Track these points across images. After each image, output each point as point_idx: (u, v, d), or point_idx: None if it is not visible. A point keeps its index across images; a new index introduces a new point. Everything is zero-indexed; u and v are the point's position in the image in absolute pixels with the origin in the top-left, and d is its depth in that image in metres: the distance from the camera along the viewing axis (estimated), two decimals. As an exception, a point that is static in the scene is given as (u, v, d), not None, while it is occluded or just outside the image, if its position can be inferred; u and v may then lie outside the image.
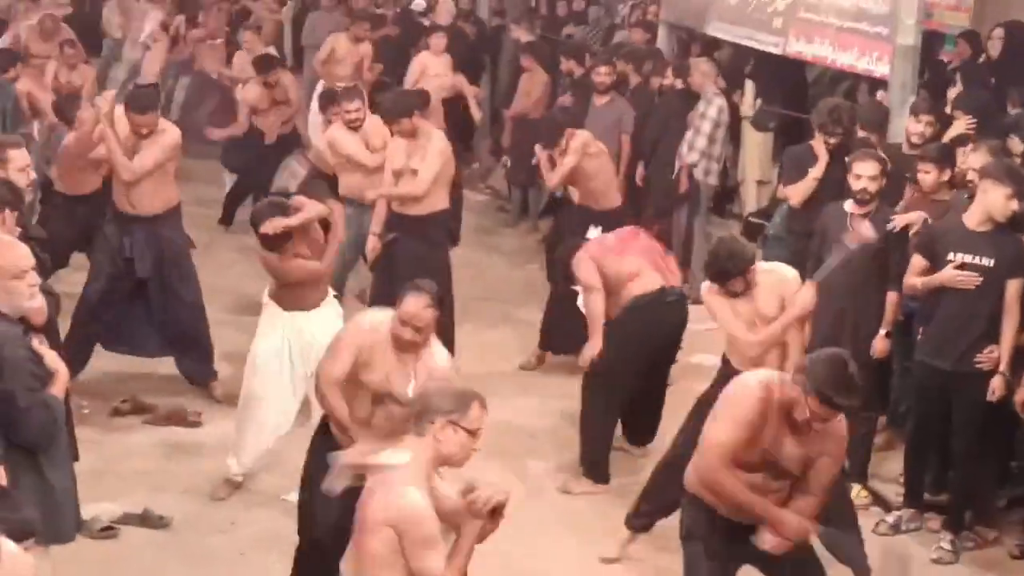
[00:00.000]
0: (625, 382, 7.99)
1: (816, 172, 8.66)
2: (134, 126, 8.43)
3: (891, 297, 7.60)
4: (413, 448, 4.75)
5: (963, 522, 7.52)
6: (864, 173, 7.62)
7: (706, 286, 6.96)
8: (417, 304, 5.90)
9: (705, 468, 5.45)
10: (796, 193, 8.81)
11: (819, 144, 8.77)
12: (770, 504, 5.43)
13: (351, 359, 6.03)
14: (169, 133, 8.63)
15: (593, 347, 7.93)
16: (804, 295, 6.92)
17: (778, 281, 6.91)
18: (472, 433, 4.75)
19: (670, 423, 7.61)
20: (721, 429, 5.43)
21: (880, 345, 7.60)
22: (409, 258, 9.05)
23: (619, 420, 8.23)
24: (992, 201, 7.09)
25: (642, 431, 8.40)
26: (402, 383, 5.96)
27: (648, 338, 8.00)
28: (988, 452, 7.44)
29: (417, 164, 9.30)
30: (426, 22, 15.66)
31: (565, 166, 9.92)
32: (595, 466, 8.06)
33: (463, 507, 4.73)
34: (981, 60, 11.55)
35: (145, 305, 8.84)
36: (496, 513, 4.70)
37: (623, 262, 8.09)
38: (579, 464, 8.10)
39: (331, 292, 7.76)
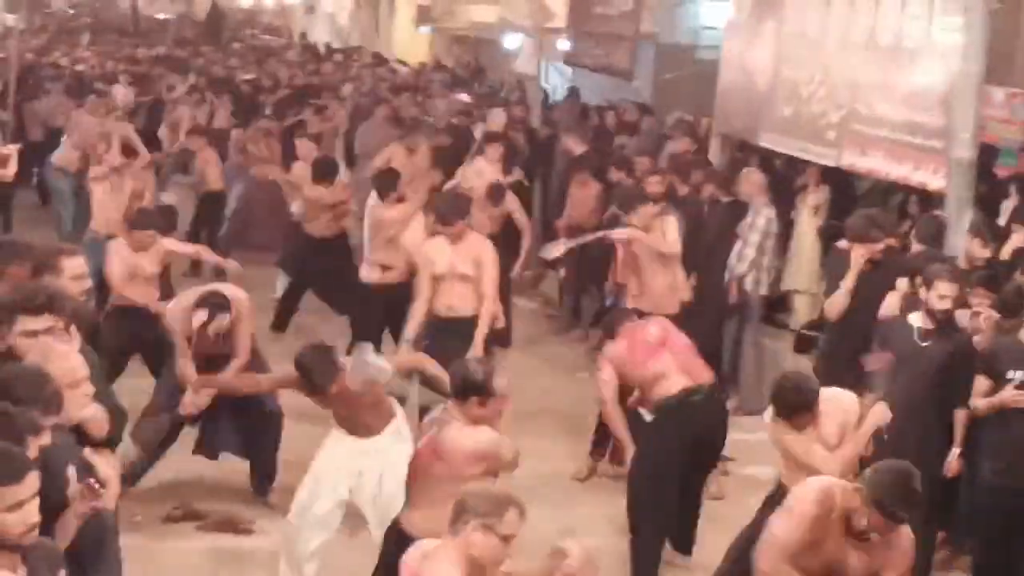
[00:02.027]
0: (665, 486, 7.97)
1: (848, 283, 8.68)
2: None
3: (959, 416, 7.55)
4: (447, 547, 4.86)
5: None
6: (948, 293, 7.61)
7: (770, 417, 6.86)
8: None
9: (766, 565, 5.44)
10: (831, 307, 8.93)
11: (858, 256, 8.81)
12: None
13: None
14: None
15: (627, 451, 8.06)
16: (877, 413, 6.88)
17: (838, 409, 6.82)
18: (505, 539, 4.79)
19: (725, 537, 7.41)
20: (783, 526, 5.47)
21: (954, 465, 7.57)
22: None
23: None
24: None
25: (686, 533, 8.29)
26: None
27: (678, 438, 7.93)
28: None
29: (467, 270, 9.29)
30: (476, 132, 15.77)
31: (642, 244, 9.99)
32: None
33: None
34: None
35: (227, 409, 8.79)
36: None
37: (647, 365, 8.09)
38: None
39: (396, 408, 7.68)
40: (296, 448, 8.60)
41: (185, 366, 8.61)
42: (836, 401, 6.87)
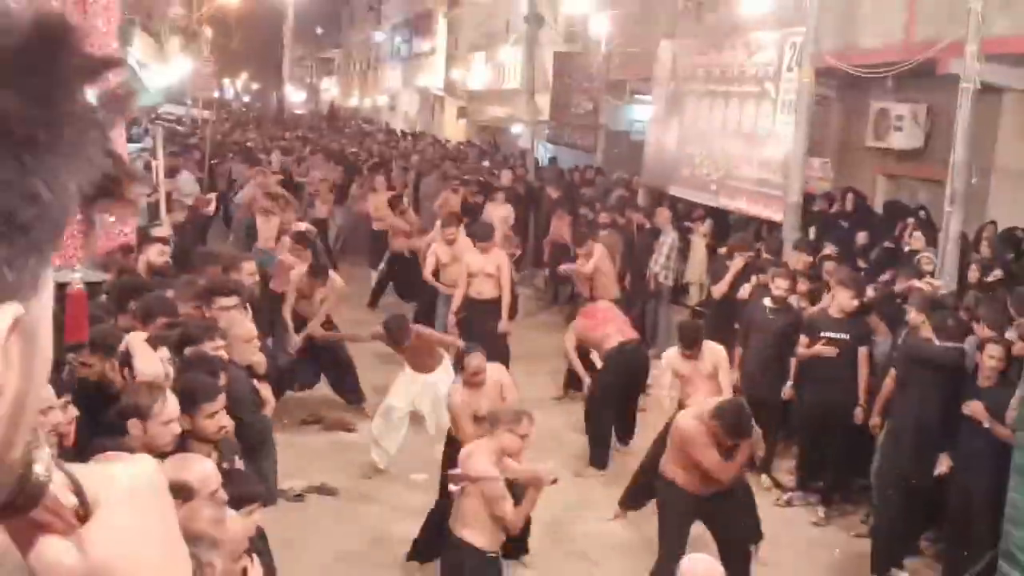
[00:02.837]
0: (610, 400, 8.01)
1: (729, 278, 8.73)
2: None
3: (792, 362, 7.57)
4: (488, 443, 4.88)
5: (832, 500, 7.39)
6: (783, 285, 7.60)
7: (671, 352, 6.93)
8: (475, 359, 6.05)
9: (719, 472, 5.38)
10: (717, 292, 8.84)
11: (738, 260, 8.84)
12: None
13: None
14: None
15: (584, 381, 8.22)
16: (727, 365, 6.96)
17: (713, 352, 6.91)
18: (522, 437, 4.86)
19: (649, 432, 7.45)
20: (708, 455, 5.36)
21: (788, 391, 7.58)
22: (481, 326, 9.00)
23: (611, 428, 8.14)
24: (841, 299, 7.12)
25: (625, 431, 8.27)
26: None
27: (618, 371, 8.01)
28: (850, 454, 7.30)
29: (491, 270, 9.33)
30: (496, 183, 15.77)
31: (590, 264, 9.97)
32: (598, 459, 8.00)
33: (530, 479, 4.71)
34: (835, 209, 11.50)
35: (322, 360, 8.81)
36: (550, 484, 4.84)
37: (597, 330, 8.18)
38: (589, 458, 8.04)
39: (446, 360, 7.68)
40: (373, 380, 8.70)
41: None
42: (712, 347, 6.95)
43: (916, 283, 7.71)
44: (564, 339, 8.42)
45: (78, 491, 0.76)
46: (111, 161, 0.74)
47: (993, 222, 9.90)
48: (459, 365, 6.38)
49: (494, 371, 6.25)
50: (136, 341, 4.40)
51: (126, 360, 4.23)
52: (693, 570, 3.39)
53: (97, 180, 0.71)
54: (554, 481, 4.82)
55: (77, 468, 0.79)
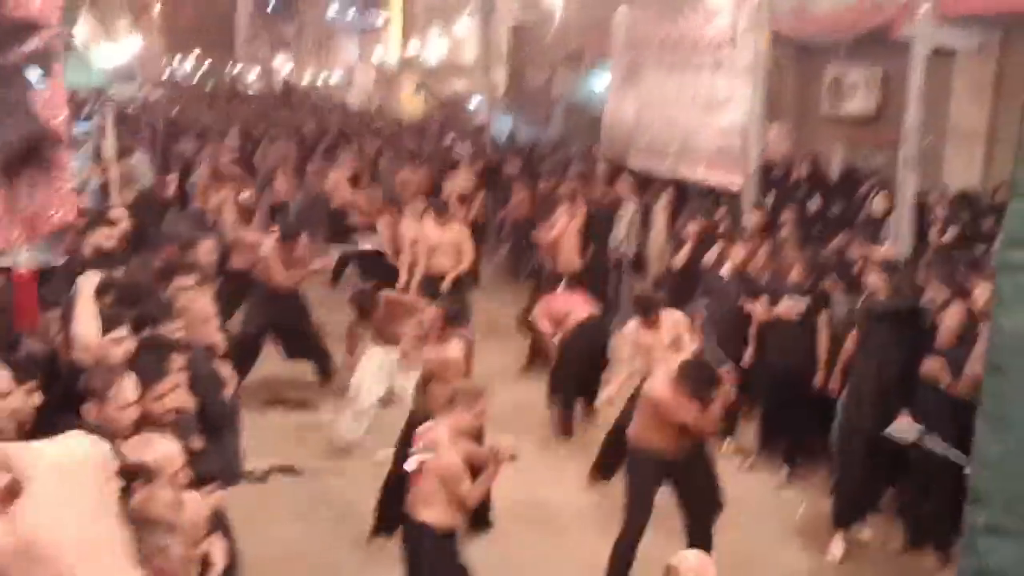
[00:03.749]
0: (572, 370, 8.10)
1: (687, 249, 8.76)
2: None
3: (752, 328, 7.62)
4: (445, 422, 4.84)
5: (795, 461, 7.49)
6: (738, 254, 7.69)
7: (632, 323, 6.94)
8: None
9: (702, 423, 5.47)
10: (678, 261, 8.87)
11: (693, 230, 8.88)
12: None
13: None
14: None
15: (551, 350, 8.27)
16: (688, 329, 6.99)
17: (672, 319, 6.96)
18: (476, 416, 4.85)
19: (612, 407, 7.44)
20: (685, 414, 5.44)
21: (747, 358, 7.66)
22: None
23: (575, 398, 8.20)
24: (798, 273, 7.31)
25: (588, 401, 8.32)
26: None
27: (581, 343, 8.08)
28: (811, 417, 7.39)
29: (449, 242, 9.32)
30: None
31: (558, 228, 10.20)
32: (561, 428, 8.08)
33: (489, 456, 4.73)
34: (795, 177, 11.58)
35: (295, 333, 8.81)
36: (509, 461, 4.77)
37: (562, 310, 8.24)
38: (552, 429, 8.11)
39: None
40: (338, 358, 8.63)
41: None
42: (672, 314, 7.00)
43: (870, 250, 7.77)
44: (538, 320, 8.40)
45: (8, 468, 0.74)
46: (36, 122, 0.72)
47: (942, 186, 10.03)
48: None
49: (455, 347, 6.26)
50: (84, 289, 4.27)
51: (67, 314, 4.13)
52: (686, 561, 3.38)
53: (22, 140, 0.69)
54: (512, 458, 4.78)
55: (7, 446, 0.77)
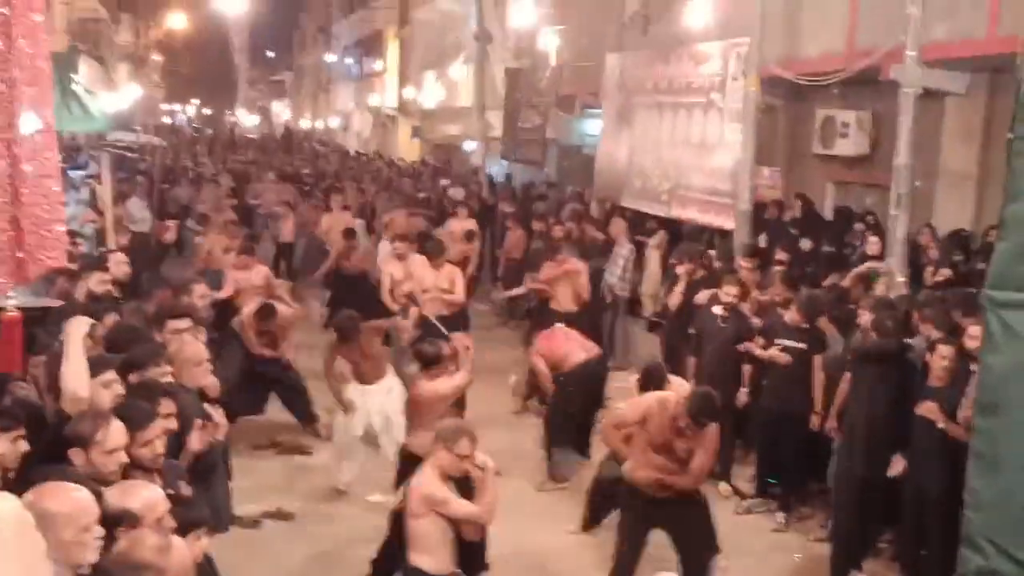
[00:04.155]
0: (571, 414, 8.00)
1: (679, 289, 8.73)
2: None
3: (746, 369, 7.61)
4: (429, 463, 4.75)
5: (790, 505, 7.42)
6: (731, 292, 7.65)
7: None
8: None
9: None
10: (672, 301, 8.82)
11: (682, 271, 8.89)
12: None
13: None
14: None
15: (548, 392, 8.15)
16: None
17: (679, 388, 6.49)
18: (460, 457, 4.66)
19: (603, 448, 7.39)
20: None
21: (742, 398, 7.61)
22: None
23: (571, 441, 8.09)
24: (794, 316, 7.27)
25: (584, 445, 8.22)
26: None
27: (580, 385, 7.99)
28: (808, 460, 7.37)
29: (444, 285, 9.30)
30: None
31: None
32: (556, 471, 7.98)
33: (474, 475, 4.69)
34: (788, 217, 11.59)
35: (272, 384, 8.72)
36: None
37: (560, 350, 8.13)
38: (547, 472, 8.01)
39: (391, 370, 7.62)
40: (324, 402, 8.54)
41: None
42: (678, 383, 6.68)
43: (860, 268, 7.75)
44: (534, 361, 8.33)
45: None
46: None
47: (928, 224, 10.04)
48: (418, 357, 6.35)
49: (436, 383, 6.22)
50: (72, 334, 4.23)
51: (53, 362, 4.10)
52: None
53: None
54: (498, 473, 4.72)
55: None
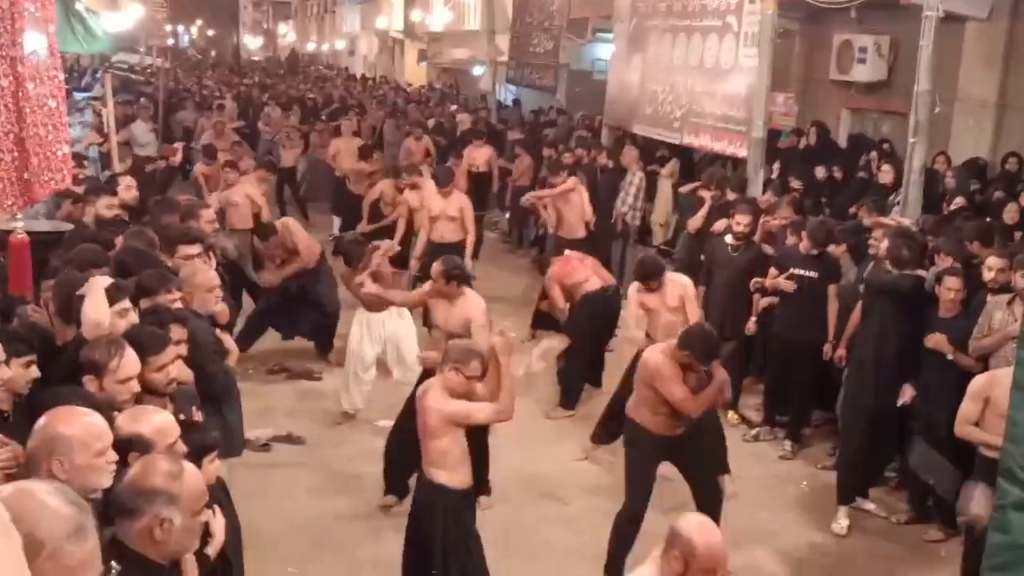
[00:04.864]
0: (585, 343, 7.98)
1: (703, 211, 8.63)
2: None
3: (756, 298, 7.49)
4: (437, 381, 4.74)
5: (799, 434, 7.44)
6: (743, 220, 7.55)
7: (633, 287, 6.82)
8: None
9: (687, 406, 5.27)
10: (693, 224, 8.71)
11: (706, 196, 8.76)
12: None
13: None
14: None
15: (562, 316, 8.13)
16: (693, 294, 6.83)
17: (678, 283, 6.79)
18: (469, 378, 4.64)
19: (617, 371, 7.42)
20: (675, 389, 5.25)
21: (751, 326, 7.52)
22: None
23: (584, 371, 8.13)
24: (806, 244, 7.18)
25: (596, 376, 8.23)
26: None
27: (593, 314, 7.96)
28: (812, 390, 7.37)
29: (453, 213, 9.23)
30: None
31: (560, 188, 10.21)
32: (568, 399, 7.98)
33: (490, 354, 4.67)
34: (803, 145, 11.46)
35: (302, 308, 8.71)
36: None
37: (576, 275, 8.06)
38: (559, 399, 8.03)
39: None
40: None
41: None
42: (677, 278, 6.89)
43: (883, 220, 7.66)
44: (549, 287, 8.27)
45: None
46: None
47: (944, 153, 9.91)
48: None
49: (471, 302, 6.13)
50: (96, 285, 4.21)
51: (77, 303, 4.07)
52: (699, 528, 3.23)
53: None
54: (502, 334, 4.74)
55: None
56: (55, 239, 5.60)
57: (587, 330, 8.00)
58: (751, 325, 7.52)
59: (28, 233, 4.45)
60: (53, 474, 2.87)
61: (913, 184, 7.86)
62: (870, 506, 6.53)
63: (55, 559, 2.08)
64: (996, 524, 2.43)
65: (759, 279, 7.35)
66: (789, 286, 7.09)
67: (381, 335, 7.45)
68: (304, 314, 8.71)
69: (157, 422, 3.44)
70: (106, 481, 2.98)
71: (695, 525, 3.20)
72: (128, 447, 3.20)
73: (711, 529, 3.19)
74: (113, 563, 2.32)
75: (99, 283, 4.20)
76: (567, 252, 8.69)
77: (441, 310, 6.15)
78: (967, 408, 5.15)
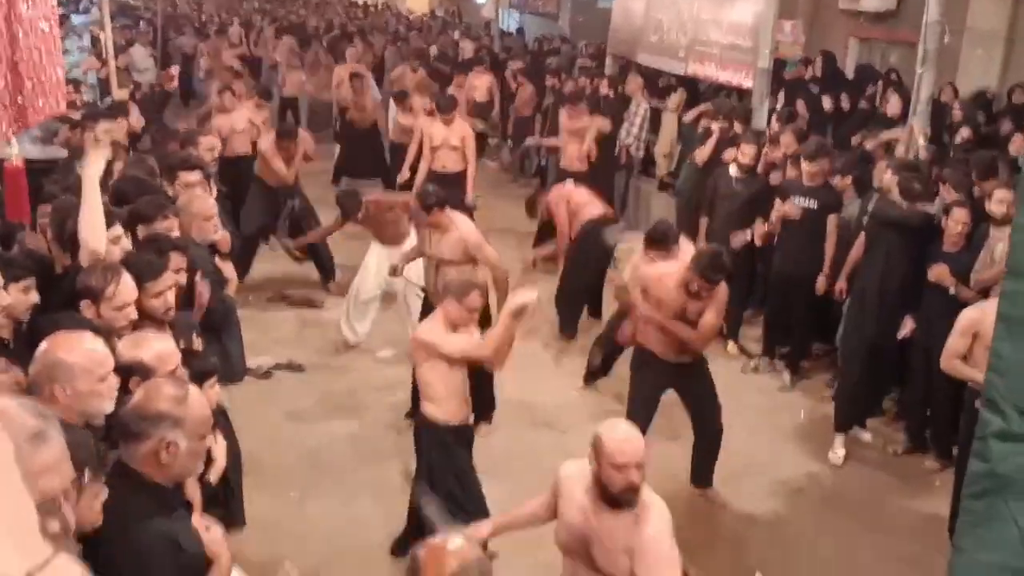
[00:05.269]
0: (583, 273, 8.00)
1: (711, 143, 8.55)
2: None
3: (758, 228, 7.40)
4: (437, 314, 4.74)
5: (798, 366, 7.47)
6: (748, 152, 7.51)
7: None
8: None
9: (694, 346, 5.36)
10: (700, 156, 8.61)
11: (714, 127, 8.68)
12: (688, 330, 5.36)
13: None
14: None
15: (562, 241, 8.18)
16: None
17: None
18: (469, 310, 4.62)
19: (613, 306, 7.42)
20: (674, 296, 5.34)
21: (757, 238, 7.43)
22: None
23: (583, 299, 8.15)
24: (809, 169, 7.07)
25: (595, 308, 8.26)
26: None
27: (590, 245, 7.94)
28: (812, 322, 7.36)
29: (455, 143, 9.16)
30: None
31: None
32: (566, 326, 8.02)
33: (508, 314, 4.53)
34: (809, 76, 11.31)
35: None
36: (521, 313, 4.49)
37: (581, 198, 8.12)
38: (559, 327, 8.07)
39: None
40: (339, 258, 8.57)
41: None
42: (687, 248, 6.37)
43: (885, 134, 7.58)
44: (553, 206, 8.26)
45: None
46: None
47: (951, 84, 9.78)
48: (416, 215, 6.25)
49: (459, 223, 6.11)
50: (90, 176, 4.14)
51: (73, 229, 4.04)
52: (611, 430, 3.37)
53: None
54: (526, 308, 4.48)
55: None
56: (47, 166, 5.56)
57: (585, 257, 7.99)
58: (757, 244, 7.43)
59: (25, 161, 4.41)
60: (56, 399, 2.89)
61: (920, 115, 7.76)
62: (867, 436, 6.59)
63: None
64: (977, 453, 2.46)
65: (762, 227, 7.27)
66: (795, 211, 7.02)
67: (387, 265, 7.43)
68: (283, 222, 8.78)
69: (158, 348, 3.45)
70: (108, 407, 3.00)
71: (608, 427, 3.38)
72: (129, 373, 3.22)
73: (626, 433, 3.35)
74: (87, 470, 2.33)
75: (94, 168, 4.07)
76: (569, 181, 8.66)
77: (433, 240, 6.13)
78: (954, 342, 5.15)
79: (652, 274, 5.51)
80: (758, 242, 7.40)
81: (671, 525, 3.31)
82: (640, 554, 3.22)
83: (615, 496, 3.28)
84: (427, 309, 6.14)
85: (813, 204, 7.04)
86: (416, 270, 6.95)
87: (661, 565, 3.21)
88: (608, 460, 3.28)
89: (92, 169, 3.94)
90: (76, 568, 0.99)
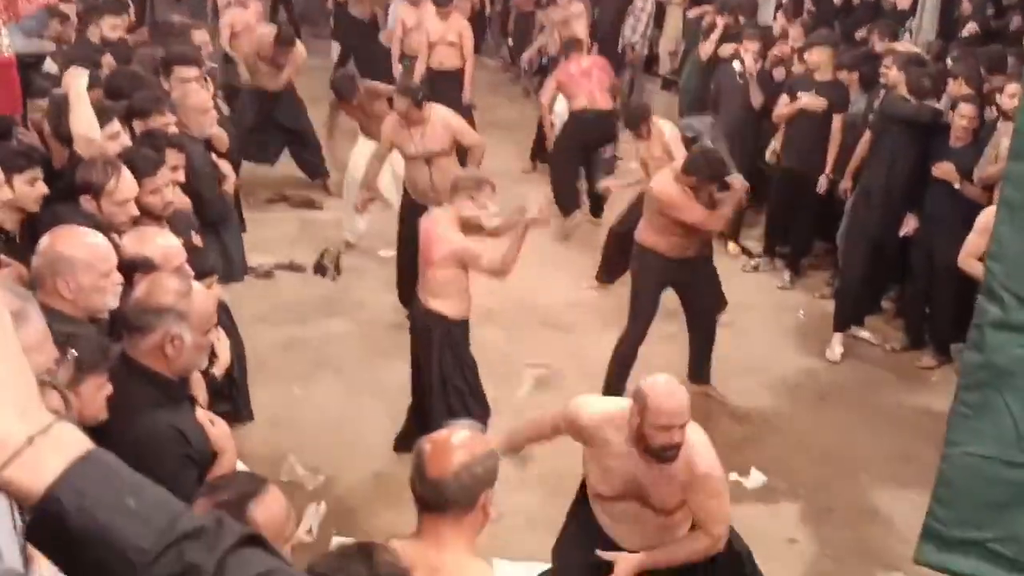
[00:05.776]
0: (571, 157, 8.11)
1: (715, 36, 8.39)
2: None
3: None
4: (446, 211, 4.75)
5: (799, 265, 7.48)
6: (751, 47, 7.43)
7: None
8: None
9: (708, 222, 5.37)
10: (704, 51, 8.54)
11: (719, 22, 8.53)
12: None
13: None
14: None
15: (550, 138, 8.33)
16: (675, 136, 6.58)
17: (658, 132, 6.51)
18: (481, 206, 4.69)
19: (616, 207, 7.42)
20: (693, 213, 5.32)
21: (769, 154, 7.45)
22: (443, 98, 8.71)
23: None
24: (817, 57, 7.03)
25: (594, 206, 8.25)
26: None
27: (577, 133, 8.03)
28: (817, 220, 7.33)
29: (452, 39, 8.98)
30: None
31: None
32: (565, 208, 7.98)
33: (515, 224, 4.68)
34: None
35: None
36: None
37: (572, 84, 8.04)
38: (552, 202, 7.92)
39: None
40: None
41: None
42: (664, 124, 6.61)
43: (895, 46, 7.46)
44: (540, 95, 8.23)
45: None
46: None
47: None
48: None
49: (440, 112, 6.08)
50: (74, 86, 4.12)
51: (66, 120, 4.00)
52: (654, 387, 3.36)
53: None
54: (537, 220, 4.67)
55: None
56: (36, 60, 5.46)
57: (566, 144, 8.11)
58: (770, 153, 7.41)
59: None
60: (58, 293, 2.90)
61: (929, 9, 7.62)
62: (865, 334, 6.65)
63: None
64: (972, 343, 2.47)
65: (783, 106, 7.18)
66: (818, 103, 6.91)
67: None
68: (280, 142, 8.65)
69: (162, 244, 3.45)
70: (112, 302, 3.01)
71: (652, 384, 3.33)
72: (133, 268, 3.22)
73: (669, 391, 3.31)
74: (71, 349, 2.34)
75: (77, 80, 4.06)
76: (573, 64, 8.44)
77: (417, 138, 6.05)
78: (973, 241, 5.14)
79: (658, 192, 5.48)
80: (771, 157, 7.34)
81: (713, 450, 3.41)
82: (694, 490, 3.38)
83: (656, 452, 3.31)
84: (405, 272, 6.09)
85: (821, 100, 6.96)
86: (387, 186, 6.94)
87: (714, 500, 3.39)
88: (652, 420, 3.27)
89: (74, 77, 3.94)
90: (78, 434, 1.01)
